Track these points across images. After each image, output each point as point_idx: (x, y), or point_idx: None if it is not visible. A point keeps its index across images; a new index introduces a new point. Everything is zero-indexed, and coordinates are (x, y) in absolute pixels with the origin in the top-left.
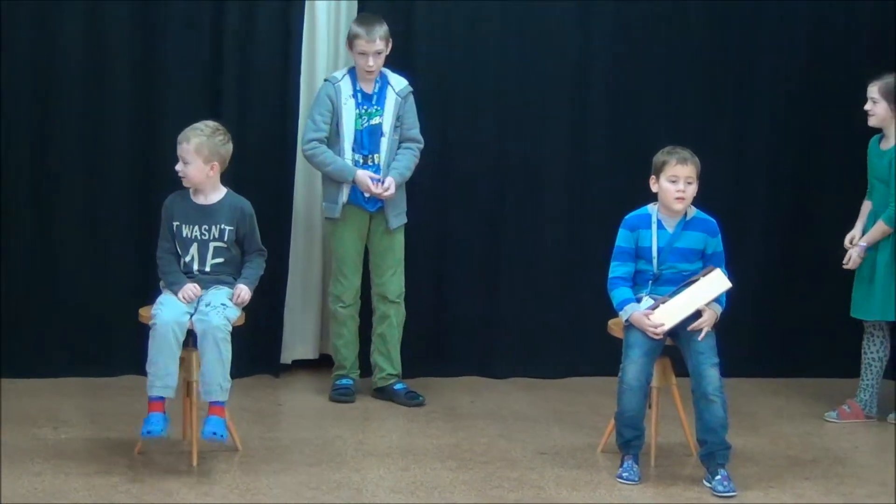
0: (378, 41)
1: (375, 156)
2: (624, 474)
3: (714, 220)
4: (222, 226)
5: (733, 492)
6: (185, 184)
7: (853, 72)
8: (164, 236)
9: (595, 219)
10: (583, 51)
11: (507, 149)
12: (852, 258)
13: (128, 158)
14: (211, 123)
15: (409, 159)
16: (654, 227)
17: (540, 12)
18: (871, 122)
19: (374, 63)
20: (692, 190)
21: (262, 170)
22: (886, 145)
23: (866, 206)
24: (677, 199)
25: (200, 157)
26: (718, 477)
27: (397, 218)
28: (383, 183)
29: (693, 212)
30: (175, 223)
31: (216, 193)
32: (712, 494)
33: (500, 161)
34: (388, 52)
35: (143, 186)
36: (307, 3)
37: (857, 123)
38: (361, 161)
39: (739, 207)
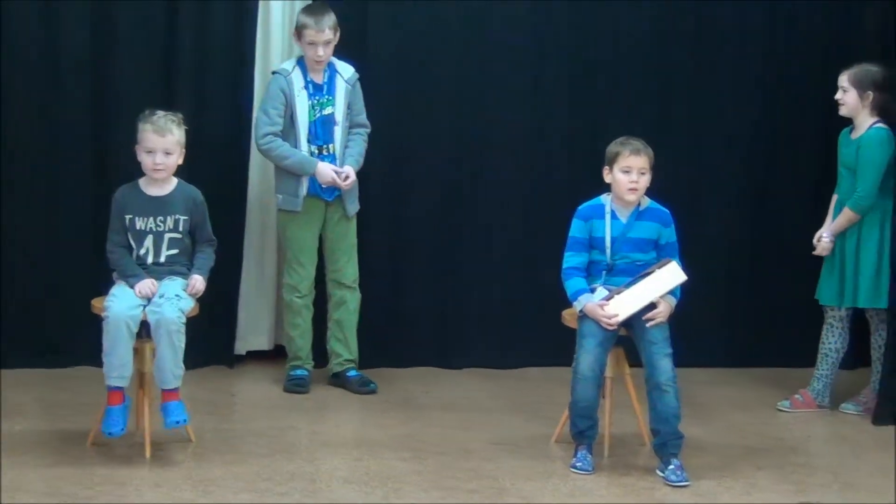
0: (327, 31)
1: (330, 146)
2: (578, 464)
3: (667, 211)
4: (177, 216)
5: (686, 481)
6: (159, 176)
7: (811, 60)
8: (115, 230)
9: (551, 209)
10: (540, 40)
11: (464, 138)
12: (820, 247)
13: (81, 152)
14: (172, 113)
15: (360, 145)
16: (608, 217)
17: (498, 2)
18: (842, 111)
19: (324, 53)
20: (645, 180)
21: (217, 162)
22: (856, 135)
23: (835, 199)
24: (630, 189)
25: (180, 147)
26: (671, 466)
27: (354, 205)
28: (344, 173)
29: (647, 202)
30: (128, 216)
31: (169, 184)
32: (665, 484)
33: (456, 151)
34: (336, 42)
35: (97, 178)
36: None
37: (815, 112)
38: (317, 152)
39: (694, 198)
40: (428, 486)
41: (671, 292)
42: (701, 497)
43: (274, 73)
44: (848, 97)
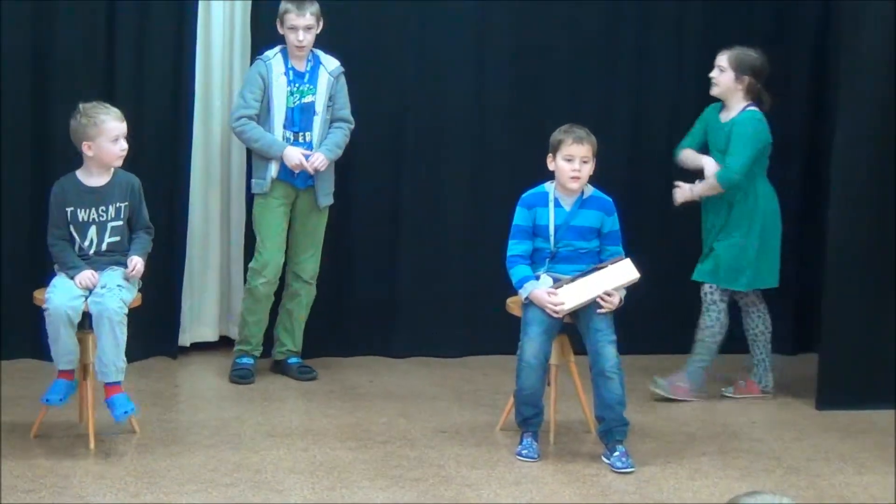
0: (308, 16)
1: (307, 133)
2: (523, 452)
3: (610, 199)
4: (118, 204)
5: (631, 467)
6: (119, 163)
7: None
8: (55, 223)
9: (493, 198)
10: (484, 32)
11: (406, 128)
12: (677, 194)
13: (19, 144)
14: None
15: (339, 137)
16: (552, 205)
17: None
18: (714, 91)
19: (305, 38)
20: (588, 169)
21: (157, 154)
22: (726, 117)
23: None
24: (572, 178)
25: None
26: (617, 453)
27: (326, 197)
28: (313, 158)
29: (590, 190)
30: (69, 209)
31: (108, 173)
32: (611, 470)
33: (398, 141)
34: (318, 31)
35: (35, 170)
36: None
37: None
38: (292, 138)
39: (637, 185)
40: (374, 475)
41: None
42: (646, 483)
43: (257, 58)
44: (723, 77)
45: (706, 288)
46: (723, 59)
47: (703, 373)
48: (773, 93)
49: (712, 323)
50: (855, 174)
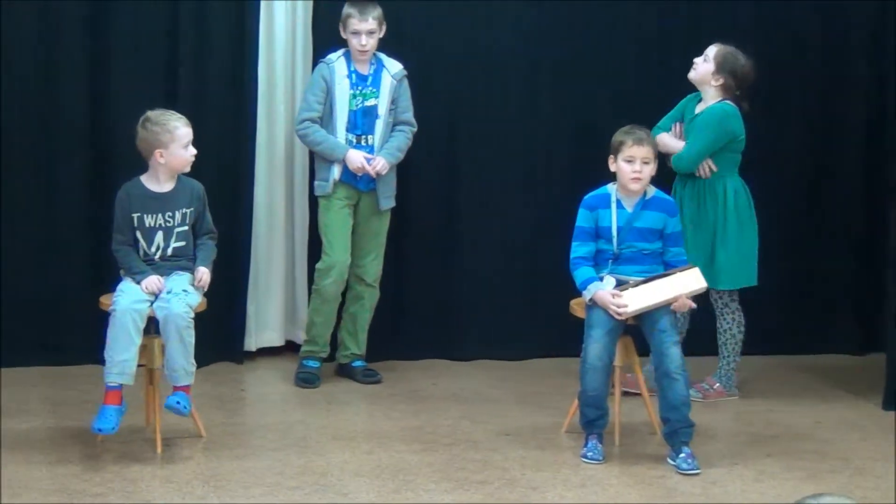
0: (371, 20)
1: (369, 136)
2: (588, 454)
3: (673, 200)
4: (183, 210)
5: (697, 469)
6: (189, 169)
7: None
8: (120, 229)
9: (552, 199)
10: (536, 35)
11: (462, 131)
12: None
13: (80, 150)
14: None
15: (401, 141)
16: (614, 206)
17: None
18: (691, 75)
19: (368, 42)
20: (649, 170)
21: (222, 160)
22: (700, 108)
23: None
24: (633, 179)
25: None
26: (682, 455)
27: (387, 200)
28: (374, 161)
29: (653, 191)
30: (136, 214)
31: (172, 179)
32: (676, 472)
33: (455, 144)
34: (381, 35)
35: (98, 176)
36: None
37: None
38: (354, 141)
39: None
40: (438, 478)
41: None
42: (712, 485)
43: (321, 61)
44: (703, 67)
45: (713, 294)
46: (711, 50)
47: (732, 373)
48: (833, 91)
49: (729, 325)
50: None
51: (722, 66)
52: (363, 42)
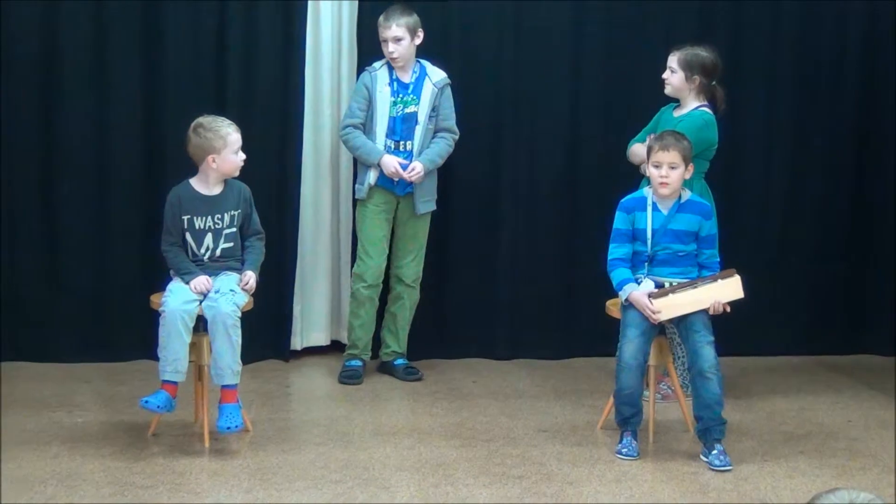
0: (395, 27)
1: (408, 142)
2: (623, 450)
3: (709, 204)
4: (231, 212)
5: (729, 465)
6: (238, 173)
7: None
8: (169, 230)
9: (589, 202)
10: (576, 43)
11: (505, 137)
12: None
13: (135, 153)
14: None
15: (441, 147)
16: (650, 209)
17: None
18: (667, 90)
19: (395, 49)
20: (676, 174)
21: (269, 163)
22: (679, 113)
23: None
24: (661, 184)
25: None
26: (715, 451)
27: (425, 204)
28: (411, 168)
29: (688, 194)
30: (186, 217)
31: (221, 183)
32: (709, 468)
33: (497, 149)
34: (416, 42)
35: (149, 178)
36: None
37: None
38: (393, 146)
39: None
40: (478, 472)
41: None
42: (744, 481)
43: (365, 69)
44: (674, 78)
45: None
46: (673, 60)
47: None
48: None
49: None
50: None
51: (690, 69)
52: (390, 49)
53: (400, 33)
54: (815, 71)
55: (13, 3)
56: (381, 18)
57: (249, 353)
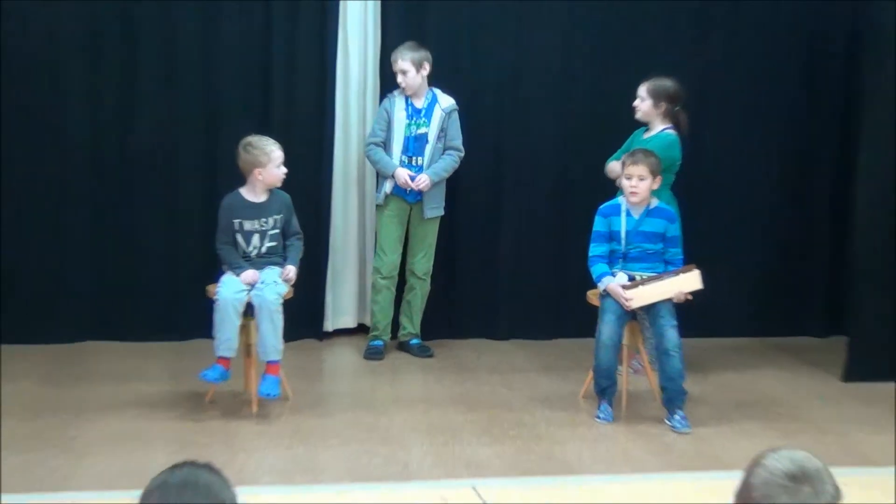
0: (400, 62)
1: (419, 158)
2: (601, 415)
3: (672, 210)
4: (275, 216)
5: (689, 428)
6: (280, 184)
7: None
8: (224, 231)
9: (576, 210)
10: (566, 71)
11: (505, 153)
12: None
13: (197, 166)
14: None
15: (447, 163)
16: (623, 214)
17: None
18: (638, 115)
19: (402, 80)
20: (644, 185)
21: (306, 173)
22: (649, 135)
23: None
24: (631, 192)
25: None
26: (677, 416)
27: (432, 210)
28: (419, 179)
29: (655, 202)
30: (237, 220)
31: (266, 192)
32: (672, 430)
33: (498, 163)
34: (424, 73)
35: (207, 188)
36: (339, 32)
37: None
38: (407, 161)
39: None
40: (480, 434)
41: None
42: (701, 441)
43: (386, 96)
44: (643, 105)
45: None
46: (642, 90)
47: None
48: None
49: None
50: (879, 182)
51: (657, 96)
52: (399, 80)
53: (406, 67)
54: (757, 98)
55: (104, 29)
56: (392, 54)
57: (289, 334)
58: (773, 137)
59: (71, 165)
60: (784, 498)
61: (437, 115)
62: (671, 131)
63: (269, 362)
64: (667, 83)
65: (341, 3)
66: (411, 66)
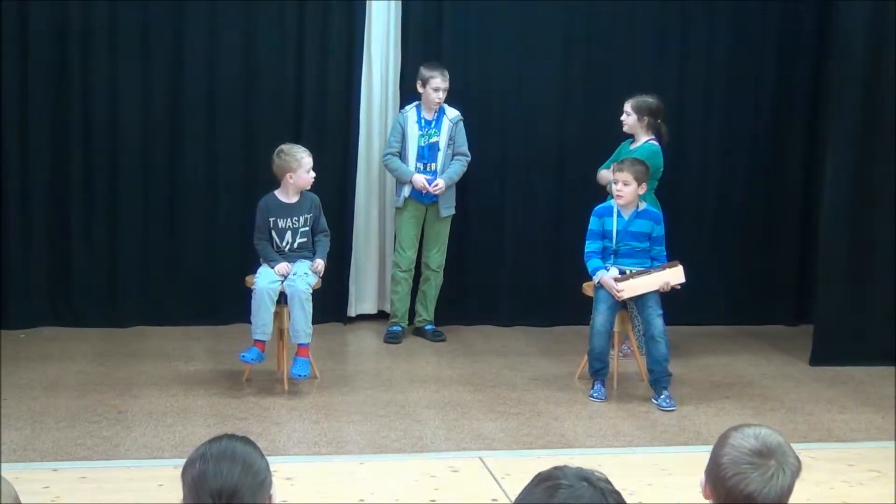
0: (440, 79)
1: (432, 164)
2: (594, 394)
3: (658, 212)
4: (305, 215)
5: (673, 406)
6: (309, 187)
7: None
8: (260, 228)
9: (574, 210)
10: (566, 86)
11: (508, 158)
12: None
13: (237, 171)
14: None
15: (457, 167)
16: (615, 215)
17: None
18: (625, 128)
19: (444, 96)
20: (629, 189)
21: (333, 178)
22: (634, 146)
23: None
24: (617, 196)
25: None
26: (663, 396)
27: (447, 210)
28: (435, 183)
29: (643, 205)
30: (272, 218)
31: (298, 194)
32: (658, 409)
33: (502, 167)
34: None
35: (245, 190)
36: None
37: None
38: (422, 167)
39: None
40: (486, 410)
41: None
42: (684, 418)
43: (399, 112)
44: (629, 119)
45: None
46: (627, 106)
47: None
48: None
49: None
50: (843, 181)
51: (640, 112)
52: (441, 96)
53: (446, 85)
54: (729, 106)
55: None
56: (437, 73)
57: (317, 318)
58: (744, 144)
59: (126, 172)
60: (755, 475)
61: (446, 125)
62: (654, 142)
63: (300, 345)
64: (648, 99)
65: (365, 32)
66: (446, 84)
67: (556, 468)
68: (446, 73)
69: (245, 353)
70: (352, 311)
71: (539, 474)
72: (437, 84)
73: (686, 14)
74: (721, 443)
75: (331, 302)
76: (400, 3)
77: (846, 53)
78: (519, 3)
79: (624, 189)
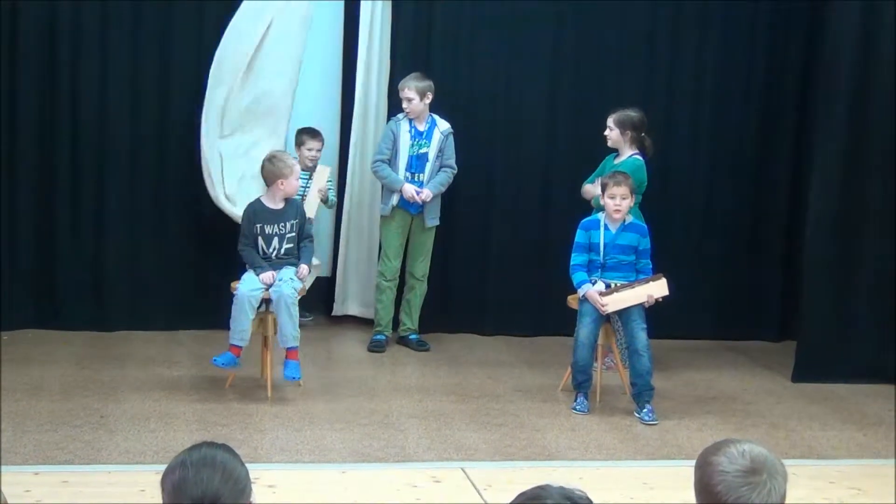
0: (407, 90)
1: (420, 174)
2: (577, 406)
3: (645, 226)
4: (292, 222)
5: (656, 420)
6: (296, 194)
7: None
8: (246, 235)
9: (559, 222)
10: (554, 96)
11: (495, 170)
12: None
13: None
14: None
15: (444, 178)
16: (602, 228)
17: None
18: (609, 143)
19: (407, 105)
20: (626, 203)
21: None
22: (619, 160)
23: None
24: (615, 211)
25: None
26: (645, 410)
27: (432, 220)
28: (422, 192)
29: (630, 218)
30: (258, 225)
31: (284, 200)
32: (641, 422)
33: (488, 180)
34: (426, 101)
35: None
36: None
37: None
38: (410, 177)
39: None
40: (469, 420)
41: None
42: (666, 432)
43: (392, 119)
44: (612, 134)
45: None
46: (611, 121)
47: (626, 351)
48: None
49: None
50: (828, 205)
51: (622, 126)
52: (404, 105)
53: (412, 95)
54: (714, 119)
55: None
56: (400, 83)
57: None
58: (730, 159)
59: (112, 175)
60: (754, 494)
61: (437, 137)
62: (638, 156)
63: (288, 349)
64: (631, 113)
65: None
66: (416, 95)
67: (539, 488)
68: (416, 82)
69: (218, 356)
70: (338, 311)
71: (523, 493)
72: (405, 94)
73: (675, 25)
74: (707, 471)
75: (316, 303)
76: (389, 9)
77: (834, 70)
78: (507, 15)
79: (622, 204)
